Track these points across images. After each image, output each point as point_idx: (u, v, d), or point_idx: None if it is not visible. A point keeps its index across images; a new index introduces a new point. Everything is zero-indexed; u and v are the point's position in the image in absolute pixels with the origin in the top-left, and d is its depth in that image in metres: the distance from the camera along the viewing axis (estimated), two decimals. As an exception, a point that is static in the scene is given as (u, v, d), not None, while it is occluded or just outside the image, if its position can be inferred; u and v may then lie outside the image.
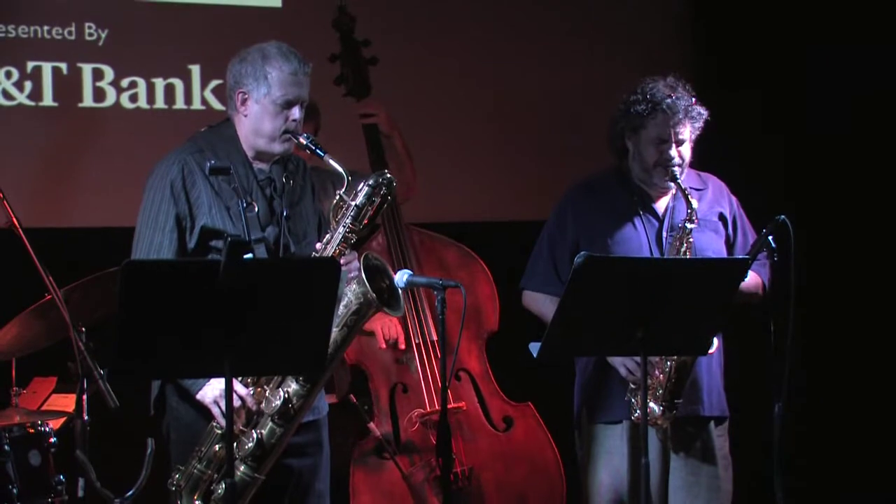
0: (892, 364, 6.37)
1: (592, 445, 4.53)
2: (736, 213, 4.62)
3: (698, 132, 4.51)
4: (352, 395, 4.96)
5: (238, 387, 3.85)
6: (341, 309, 3.83)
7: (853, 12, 6.33)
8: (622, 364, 4.38)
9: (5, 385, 4.72)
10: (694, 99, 4.50)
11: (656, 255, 4.47)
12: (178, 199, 3.99)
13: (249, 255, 3.71)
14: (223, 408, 3.71)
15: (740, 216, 4.63)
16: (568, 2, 6.66)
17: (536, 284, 4.60)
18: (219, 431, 3.87)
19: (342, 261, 3.86)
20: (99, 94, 5.83)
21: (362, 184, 3.97)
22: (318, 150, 4.00)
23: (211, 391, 3.88)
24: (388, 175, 3.99)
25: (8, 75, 5.71)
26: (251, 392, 3.89)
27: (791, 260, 4.23)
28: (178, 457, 3.96)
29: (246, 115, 4.07)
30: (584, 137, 5.95)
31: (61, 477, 4.40)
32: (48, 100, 5.77)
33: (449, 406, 4.13)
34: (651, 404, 4.34)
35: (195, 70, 5.95)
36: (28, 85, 5.73)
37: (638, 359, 4.12)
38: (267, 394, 3.89)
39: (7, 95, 5.72)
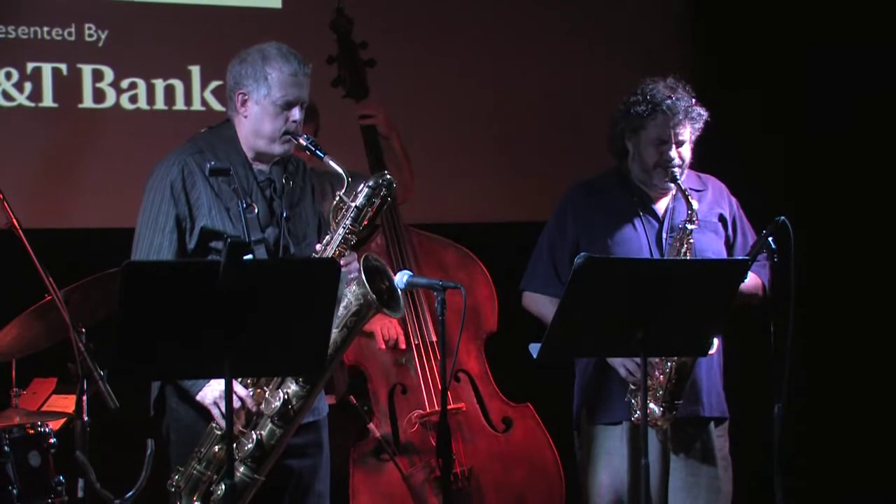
0: (892, 364, 6.37)
1: (592, 446, 4.53)
2: (736, 215, 4.62)
3: (698, 133, 4.51)
4: (352, 397, 4.96)
5: (238, 388, 3.85)
6: (341, 310, 3.83)
7: (853, 12, 6.33)
8: (622, 365, 4.38)
9: (5, 386, 4.72)
10: (694, 100, 4.50)
11: (656, 256, 4.47)
12: (178, 200, 3.99)
13: (249, 256, 3.71)
14: (223, 409, 3.71)
15: (740, 217, 4.63)
16: (568, 2, 6.66)
17: (536, 285, 4.60)
18: (218, 432, 3.87)
19: (342, 262, 3.86)
20: (99, 95, 5.84)
21: (362, 185, 3.97)
22: (317, 152, 4.00)
23: (211, 392, 3.88)
24: (388, 176, 3.99)
25: (8, 76, 5.71)
26: (251, 393, 3.89)
27: (791, 261, 4.23)
28: (178, 458, 3.96)
29: (246, 116, 4.07)
30: (584, 138, 5.95)
31: (61, 478, 4.40)
32: (48, 101, 5.77)
33: (448, 407, 4.12)
34: (651, 405, 4.34)
35: (195, 71, 5.95)
36: (28, 86, 5.73)
37: (638, 360, 4.11)
38: (266, 395, 3.89)
39: (7, 96, 5.72)
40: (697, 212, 4.41)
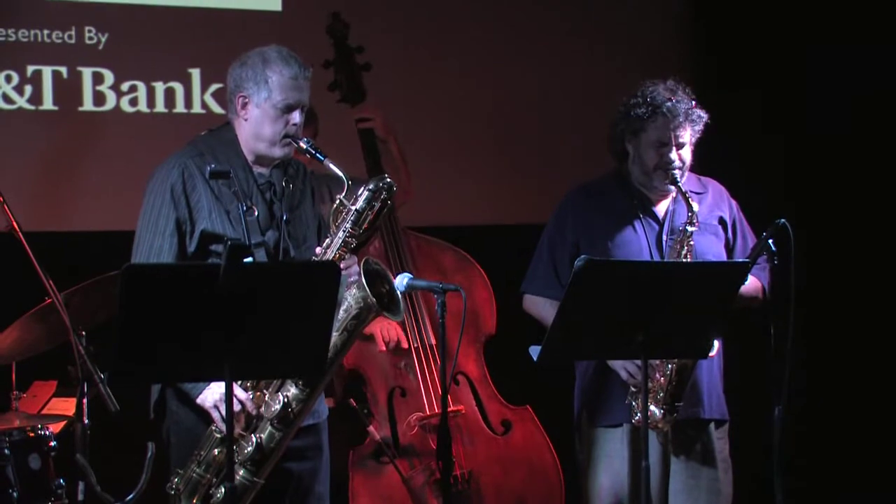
0: (892, 365, 6.37)
1: (592, 449, 4.53)
2: (736, 217, 4.62)
3: (698, 135, 4.52)
4: (352, 399, 4.96)
5: (238, 391, 3.85)
6: (341, 313, 3.83)
7: (853, 12, 6.33)
8: (623, 367, 4.37)
9: (5, 389, 4.72)
10: (694, 102, 4.50)
11: (656, 258, 4.48)
12: (179, 203, 3.99)
13: (249, 259, 3.71)
14: (223, 412, 3.71)
15: (740, 220, 4.63)
16: (568, 2, 6.65)
17: (537, 288, 4.60)
18: (218, 435, 3.87)
19: (342, 265, 3.86)
20: (99, 98, 5.83)
21: (362, 188, 3.97)
22: (317, 155, 4.00)
23: (211, 395, 3.89)
24: (388, 180, 3.99)
25: (8, 79, 5.71)
26: (251, 396, 3.90)
27: (791, 263, 4.23)
28: (179, 461, 3.96)
29: (246, 119, 4.07)
30: (583, 140, 5.96)
31: (61, 481, 4.40)
32: (48, 103, 5.77)
33: (448, 409, 4.13)
34: (651, 407, 4.34)
35: (195, 74, 5.95)
36: (28, 89, 5.73)
37: (638, 362, 4.11)
38: (266, 398, 3.89)
39: (7, 99, 5.71)
40: (697, 214, 4.41)
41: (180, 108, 5.94)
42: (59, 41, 5.76)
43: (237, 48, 4.18)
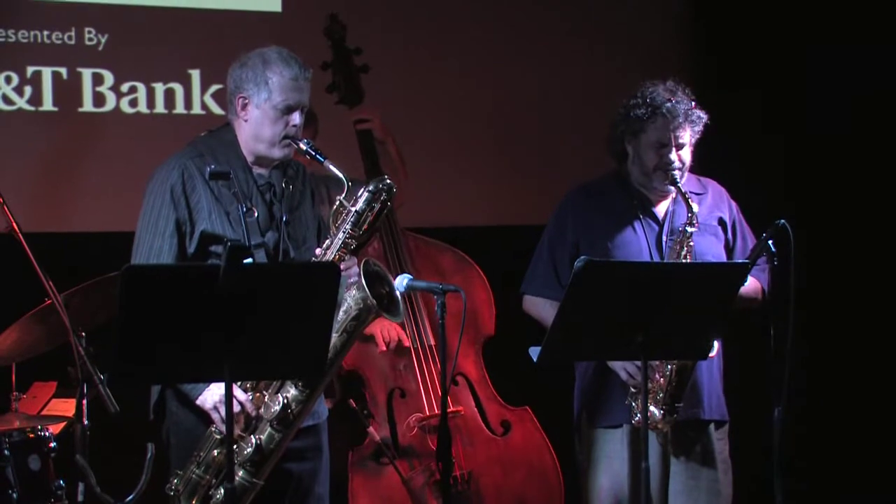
0: (892, 366, 6.36)
1: (592, 450, 4.53)
2: (735, 218, 4.62)
3: (698, 136, 4.52)
4: (351, 400, 4.96)
5: (237, 392, 3.85)
6: (341, 315, 3.83)
7: (853, 12, 6.33)
8: (622, 368, 4.38)
9: (5, 390, 4.71)
10: (694, 103, 4.50)
11: (656, 259, 4.48)
12: (178, 204, 3.99)
13: (249, 260, 3.71)
14: (222, 413, 3.71)
15: (740, 221, 4.63)
16: (568, 2, 6.65)
17: (536, 289, 4.60)
18: (217, 436, 3.87)
19: (342, 266, 3.86)
20: (99, 99, 5.83)
21: (362, 190, 3.97)
22: (317, 156, 4.00)
23: (210, 396, 3.89)
24: (388, 181, 3.99)
25: (8, 80, 5.71)
26: (250, 397, 3.90)
27: (791, 264, 4.23)
28: (178, 462, 3.96)
29: (246, 120, 4.07)
30: (582, 141, 5.96)
31: (61, 482, 4.40)
32: (48, 104, 5.77)
33: (447, 410, 4.13)
34: (651, 408, 4.34)
35: (195, 75, 5.95)
36: (28, 90, 5.73)
37: (638, 363, 4.11)
38: (266, 399, 3.89)
39: (7, 100, 5.71)
40: (697, 215, 4.41)
41: (180, 108, 5.94)
42: (59, 42, 5.76)
43: (237, 49, 4.18)
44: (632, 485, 4.43)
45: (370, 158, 5.17)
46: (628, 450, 4.45)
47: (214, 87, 5.90)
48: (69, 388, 4.74)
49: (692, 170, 4.58)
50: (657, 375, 4.35)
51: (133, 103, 5.88)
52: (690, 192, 4.48)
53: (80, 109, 5.82)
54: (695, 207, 4.40)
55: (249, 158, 4.09)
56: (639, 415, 4.27)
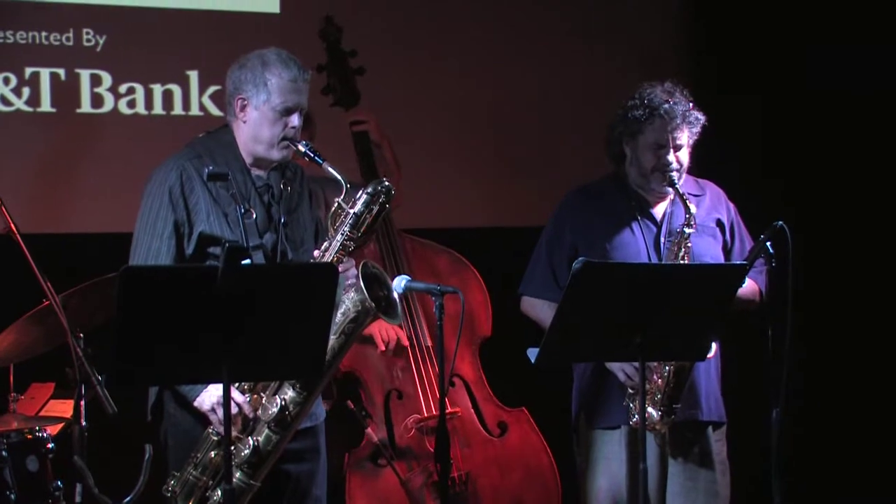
0: (890, 368, 6.37)
1: (590, 451, 4.54)
2: (733, 220, 4.63)
3: (696, 137, 4.52)
4: (349, 401, 4.96)
5: (235, 394, 3.85)
6: (339, 317, 3.83)
7: (853, 12, 6.33)
8: (620, 369, 4.38)
9: (3, 391, 4.71)
10: (691, 104, 4.50)
11: (654, 260, 4.48)
12: (177, 205, 3.99)
13: (247, 261, 3.71)
14: (220, 415, 3.71)
15: (738, 223, 4.63)
16: (568, 2, 6.65)
17: (535, 290, 4.60)
18: (215, 438, 3.87)
19: (340, 268, 3.86)
20: (97, 100, 5.83)
21: (361, 192, 3.97)
22: (316, 158, 4.00)
23: (208, 398, 3.88)
24: (387, 183, 3.99)
25: (6, 81, 5.71)
26: (248, 399, 3.89)
27: (789, 266, 4.24)
28: (176, 463, 3.96)
29: (245, 122, 4.07)
30: (581, 142, 5.95)
31: (59, 483, 4.40)
32: (46, 105, 5.76)
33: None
34: (649, 409, 4.35)
35: (193, 76, 5.95)
36: (26, 91, 5.73)
37: (636, 364, 4.11)
38: (263, 401, 3.89)
39: (5, 101, 5.71)
40: (695, 216, 4.41)
41: (178, 110, 5.93)
42: (57, 43, 5.75)
43: (235, 50, 4.18)
44: (630, 486, 4.43)
45: (366, 160, 5.17)
46: (626, 451, 4.45)
47: (213, 89, 5.90)
48: (67, 389, 4.74)
49: (690, 171, 4.58)
50: (655, 376, 4.36)
51: (131, 104, 5.88)
52: (688, 194, 4.48)
53: (79, 110, 5.82)
54: (692, 209, 4.40)
55: (248, 160, 4.09)
56: (637, 416, 4.27)
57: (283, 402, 3.86)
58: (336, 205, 3.96)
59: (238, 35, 5.82)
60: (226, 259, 3.35)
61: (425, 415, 4.97)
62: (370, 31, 5.75)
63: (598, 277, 3.89)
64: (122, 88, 5.86)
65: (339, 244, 3.93)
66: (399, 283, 3.99)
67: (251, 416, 3.89)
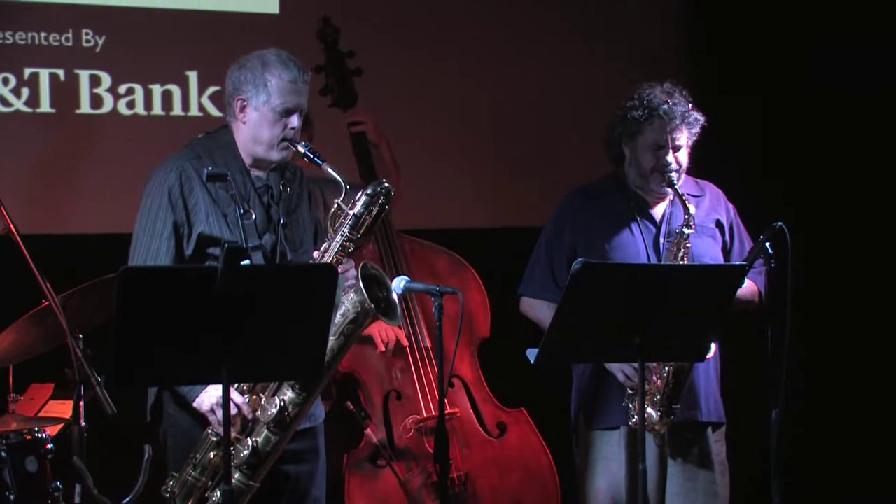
0: (889, 368, 6.37)
1: (590, 451, 4.54)
2: (733, 221, 4.63)
3: (695, 138, 4.52)
4: (349, 402, 4.96)
5: (234, 395, 3.85)
6: (338, 318, 3.83)
7: (853, 12, 6.33)
8: (620, 370, 4.38)
9: (2, 391, 4.71)
10: (691, 104, 4.51)
11: (654, 261, 4.48)
12: (176, 206, 3.99)
13: (246, 262, 3.71)
14: (219, 415, 3.71)
15: (737, 224, 4.63)
16: (568, 2, 6.65)
17: (534, 290, 4.60)
18: (214, 439, 3.87)
19: (339, 269, 3.86)
20: (96, 101, 5.83)
21: (360, 193, 3.97)
22: (316, 159, 4.00)
23: (207, 398, 3.88)
24: (387, 184, 3.99)
25: (5, 82, 5.71)
26: (247, 400, 3.89)
27: (788, 266, 4.24)
28: (175, 464, 3.96)
29: (244, 123, 4.07)
30: (580, 142, 5.95)
31: (58, 483, 4.40)
32: (45, 106, 5.76)
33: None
34: (648, 410, 4.35)
35: (192, 77, 5.95)
36: (25, 91, 5.72)
37: (635, 364, 4.11)
38: (263, 402, 3.89)
39: (4, 102, 5.71)
40: (694, 217, 4.41)
41: (177, 110, 5.93)
42: (57, 44, 5.75)
43: (235, 51, 4.17)
44: (629, 486, 4.43)
45: (364, 161, 5.17)
46: (625, 451, 4.45)
47: (212, 89, 5.90)
48: (66, 389, 4.74)
49: (690, 172, 4.58)
50: (654, 377, 4.36)
51: (130, 105, 5.88)
52: (687, 195, 4.48)
53: (78, 111, 5.82)
54: (692, 209, 4.40)
55: (247, 160, 4.09)
56: (636, 416, 4.27)
57: (282, 403, 3.86)
58: (335, 206, 3.96)
59: (237, 36, 5.82)
60: (225, 260, 3.35)
61: (424, 415, 4.97)
62: (369, 31, 5.74)
63: (598, 278, 3.89)
64: (122, 89, 5.86)
65: (338, 245, 3.93)
66: (398, 283, 3.99)
67: (250, 416, 3.89)
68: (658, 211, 4.56)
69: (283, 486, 4.05)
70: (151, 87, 5.91)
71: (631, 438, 4.41)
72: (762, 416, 4.23)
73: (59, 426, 4.69)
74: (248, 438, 3.87)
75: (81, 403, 4.14)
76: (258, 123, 4.04)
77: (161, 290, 3.37)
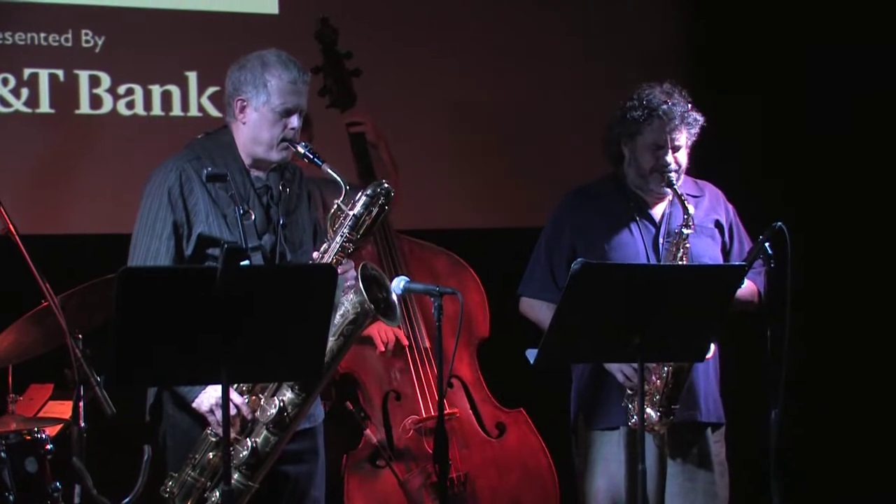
0: (889, 368, 6.37)
1: (589, 452, 4.54)
2: (732, 221, 4.63)
3: (694, 138, 4.52)
4: (348, 402, 4.96)
5: (233, 395, 3.85)
6: (338, 318, 3.83)
7: (853, 12, 6.33)
8: (619, 370, 4.38)
9: (2, 392, 4.70)
10: (690, 105, 4.51)
11: (653, 261, 4.48)
12: (176, 206, 3.99)
13: (246, 263, 3.71)
14: (218, 416, 3.71)
15: (736, 224, 4.63)
16: (568, 2, 6.64)
17: (533, 291, 4.60)
18: (213, 439, 3.87)
19: (339, 270, 3.86)
20: (95, 101, 5.83)
21: (360, 194, 3.97)
22: (315, 159, 4.00)
23: (207, 399, 3.88)
24: (387, 185, 3.99)
25: (4, 82, 5.70)
26: (246, 400, 3.89)
27: (787, 266, 4.24)
28: (175, 464, 3.96)
29: (244, 123, 4.06)
30: (579, 143, 5.95)
31: (58, 484, 4.39)
32: (45, 107, 5.76)
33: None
34: (648, 410, 4.35)
35: (192, 77, 5.94)
36: (25, 92, 5.72)
37: (635, 365, 4.11)
38: (262, 402, 3.89)
39: (4, 102, 5.70)
40: (694, 217, 4.41)
41: (177, 111, 5.93)
42: (56, 44, 5.75)
43: (234, 51, 4.17)
44: (628, 487, 4.43)
45: (363, 162, 5.17)
46: (625, 452, 4.45)
47: (212, 90, 5.89)
48: (66, 390, 4.74)
49: (689, 172, 4.58)
50: (654, 377, 4.36)
51: (130, 105, 5.88)
52: (687, 195, 4.48)
53: (77, 111, 5.81)
54: (691, 209, 4.40)
55: (247, 161, 4.09)
56: (635, 417, 4.27)
57: (281, 404, 3.86)
58: (335, 206, 3.96)
59: (237, 36, 5.82)
60: (225, 260, 3.35)
61: (424, 416, 4.97)
62: (368, 31, 5.73)
63: (597, 278, 3.89)
64: (121, 89, 5.86)
65: (338, 246, 3.93)
66: (398, 284, 3.99)
67: (249, 417, 3.89)
68: (657, 211, 4.56)
69: (282, 487, 4.05)
70: (151, 87, 5.90)
71: (630, 439, 4.41)
72: (762, 416, 4.23)
73: (59, 426, 4.69)
74: (248, 439, 3.87)
75: (81, 404, 4.14)
76: (258, 124, 4.04)
77: (160, 291, 3.37)
